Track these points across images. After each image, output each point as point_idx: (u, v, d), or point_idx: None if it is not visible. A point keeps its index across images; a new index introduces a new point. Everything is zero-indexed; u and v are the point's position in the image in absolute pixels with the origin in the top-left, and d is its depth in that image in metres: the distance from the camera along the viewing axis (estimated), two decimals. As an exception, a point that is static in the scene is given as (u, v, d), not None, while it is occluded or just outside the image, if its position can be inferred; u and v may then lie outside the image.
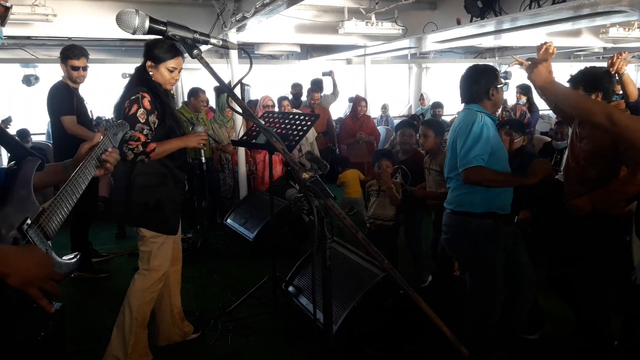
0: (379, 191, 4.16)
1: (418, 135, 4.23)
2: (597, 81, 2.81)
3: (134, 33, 1.34)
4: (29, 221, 1.28)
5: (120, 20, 1.33)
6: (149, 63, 2.83)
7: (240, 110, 1.36)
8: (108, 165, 1.62)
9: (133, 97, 2.73)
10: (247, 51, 1.49)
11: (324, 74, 7.78)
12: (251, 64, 1.44)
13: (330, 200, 1.21)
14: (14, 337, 1.20)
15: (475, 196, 2.72)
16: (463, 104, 2.86)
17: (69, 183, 1.45)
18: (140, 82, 2.82)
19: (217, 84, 6.96)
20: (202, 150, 4.94)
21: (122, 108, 2.74)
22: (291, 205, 1.34)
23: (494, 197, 2.72)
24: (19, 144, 1.48)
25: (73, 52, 4.14)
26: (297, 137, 3.64)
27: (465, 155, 2.61)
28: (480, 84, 2.74)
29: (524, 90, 7.13)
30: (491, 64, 12.09)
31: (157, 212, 2.86)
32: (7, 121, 7.25)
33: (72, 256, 1.43)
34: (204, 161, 4.99)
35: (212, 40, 1.43)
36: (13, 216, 1.27)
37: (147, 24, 1.34)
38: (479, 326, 2.86)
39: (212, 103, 6.89)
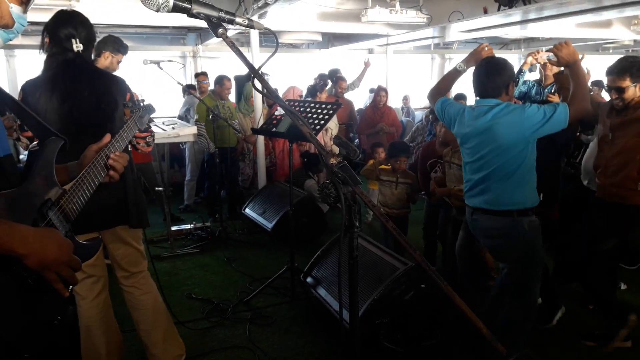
0: (397, 183, 4.11)
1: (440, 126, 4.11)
2: None
3: (157, 10, 1.28)
4: (49, 203, 1.24)
5: None
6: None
7: (264, 92, 1.31)
8: (113, 173, 1.48)
9: (127, 86, 2.56)
10: (273, 31, 1.43)
11: (365, 63, 7.69)
12: (277, 44, 1.38)
13: (359, 187, 1.15)
14: (31, 320, 1.16)
15: (525, 190, 2.63)
16: (478, 98, 2.71)
17: (91, 166, 1.41)
18: None
19: (237, 74, 6.94)
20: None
21: (124, 97, 2.50)
22: (318, 193, 1.28)
23: (534, 190, 2.68)
24: (42, 125, 1.44)
25: (125, 49, 4.02)
26: (319, 127, 3.59)
27: (552, 110, 2.46)
28: (502, 77, 2.63)
29: None
30: (516, 55, 11.88)
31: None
32: None
33: (92, 239, 1.40)
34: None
35: (238, 20, 1.37)
36: (34, 197, 1.23)
37: (171, 1, 1.28)
38: (521, 330, 2.79)
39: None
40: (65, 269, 1.13)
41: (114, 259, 2.61)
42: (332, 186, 1.16)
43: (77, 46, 2.34)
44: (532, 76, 4.76)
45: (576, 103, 2.46)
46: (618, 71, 2.77)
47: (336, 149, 4.53)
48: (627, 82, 2.74)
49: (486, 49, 2.85)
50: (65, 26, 2.35)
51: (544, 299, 3.44)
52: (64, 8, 4.81)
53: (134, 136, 2.31)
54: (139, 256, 2.66)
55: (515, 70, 3.33)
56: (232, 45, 1.28)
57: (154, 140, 2.69)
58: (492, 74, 2.64)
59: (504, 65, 2.66)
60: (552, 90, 4.22)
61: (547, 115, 2.46)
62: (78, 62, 2.38)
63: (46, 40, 2.38)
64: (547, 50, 2.71)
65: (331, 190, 1.16)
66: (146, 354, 2.75)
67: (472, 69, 2.83)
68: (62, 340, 1.45)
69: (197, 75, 6.96)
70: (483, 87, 2.67)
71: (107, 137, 1.52)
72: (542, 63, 4.07)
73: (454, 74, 2.99)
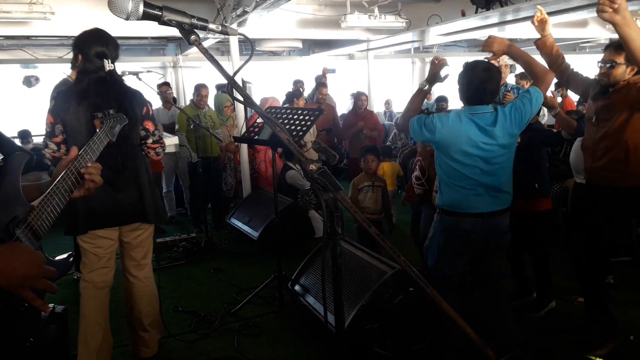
0: (373, 186, 4.17)
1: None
2: None
3: (127, 18, 1.25)
4: (16, 220, 1.19)
5: (112, 5, 1.24)
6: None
7: (242, 99, 1.28)
8: (91, 185, 1.42)
9: (145, 100, 2.81)
10: (248, 37, 1.40)
11: (324, 70, 7.67)
12: (252, 50, 1.35)
13: (340, 193, 1.13)
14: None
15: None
16: (469, 105, 2.68)
17: (60, 180, 1.35)
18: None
19: (218, 83, 6.88)
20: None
21: (142, 110, 2.76)
22: (298, 199, 1.25)
23: None
24: (8, 140, 1.40)
25: None
26: (301, 133, 3.56)
27: (531, 97, 2.65)
28: (499, 82, 2.69)
29: None
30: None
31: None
32: None
33: (66, 256, 1.36)
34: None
35: (211, 26, 1.34)
36: None
37: (141, 8, 1.25)
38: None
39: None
40: (40, 281, 1.07)
41: (128, 246, 2.89)
42: (312, 193, 1.14)
43: (110, 66, 2.57)
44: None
45: (540, 81, 2.70)
46: (617, 47, 2.74)
47: (314, 154, 4.55)
48: (621, 59, 2.72)
49: (436, 62, 2.89)
50: (97, 45, 2.58)
51: (539, 289, 3.60)
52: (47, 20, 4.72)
53: (146, 146, 2.77)
54: (149, 251, 2.99)
55: None
56: (206, 52, 1.26)
57: (163, 150, 2.92)
58: (491, 80, 2.61)
59: (495, 69, 2.67)
60: (509, 89, 4.43)
61: (531, 104, 2.62)
62: (109, 81, 2.60)
63: (79, 57, 2.60)
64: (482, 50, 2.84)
65: (312, 197, 1.14)
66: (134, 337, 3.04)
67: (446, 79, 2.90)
68: (48, 358, 1.40)
69: (159, 86, 6.80)
70: (484, 94, 2.61)
71: (74, 151, 1.46)
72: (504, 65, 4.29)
73: (421, 94, 2.92)
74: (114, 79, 2.66)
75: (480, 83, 2.59)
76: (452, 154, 2.66)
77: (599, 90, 2.91)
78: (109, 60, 2.60)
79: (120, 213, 2.72)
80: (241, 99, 1.27)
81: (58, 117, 2.61)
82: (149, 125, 2.78)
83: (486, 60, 2.75)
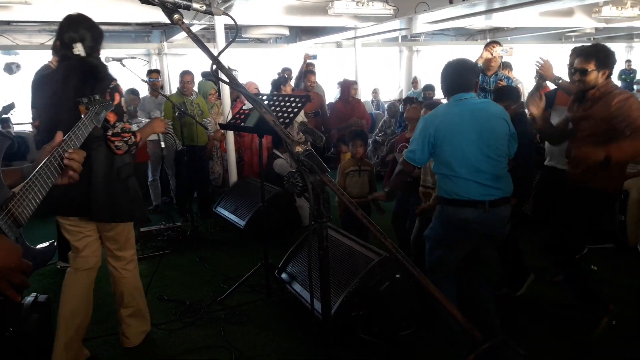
0: (359, 171, 4.16)
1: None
2: (609, 58, 2.87)
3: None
4: None
5: None
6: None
7: (226, 80, 1.25)
8: (72, 173, 1.39)
9: (112, 86, 2.58)
10: (232, 17, 1.36)
11: (305, 56, 7.58)
12: (237, 28, 1.32)
13: (327, 175, 1.11)
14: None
15: None
16: (455, 94, 2.78)
17: (43, 167, 1.31)
18: (105, 69, 2.69)
19: (204, 70, 6.76)
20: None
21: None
22: (284, 182, 1.22)
23: None
24: None
25: None
26: (287, 120, 3.53)
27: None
28: (470, 75, 2.80)
29: None
30: (482, 46, 12.04)
31: (138, 201, 2.87)
32: (10, 108, 6.31)
33: (48, 244, 1.32)
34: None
35: (195, 5, 1.30)
36: None
37: (121, -15, 1.21)
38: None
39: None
40: (16, 275, 1.06)
41: (103, 236, 2.89)
42: (298, 175, 1.12)
43: (78, 50, 2.52)
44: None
45: None
46: (586, 55, 2.87)
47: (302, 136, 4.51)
48: (591, 66, 2.84)
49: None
50: (69, 31, 2.54)
51: (514, 269, 3.67)
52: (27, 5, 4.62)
53: (107, 138, 2.58)
54: (125, 245, 2.94)
55: None
56: (189, 31, 1.22)
57: (127, 145, 2.62)
58: (462, 74, 2.77)
59: (468, 64, 2.84)
60: (501, 77, 4.70)
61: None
62: (74, 64, 2.55)
63: (57, 43, 2.65)
64: None
65: (298, 180, 1.12)
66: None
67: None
68: (21, 349, 1.37)
69: (149, 72, 6.67)
70: (456, 85, 2.77)
71: (59, 136, 1.42)
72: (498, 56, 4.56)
73: None
74: (80, 63, 2.55)
75: (451, 76, 2.78)
76: (448, 140, 2.68)
77: (576, 96, 3.03)
78: (78, 46, 2.52)
79: (69, 203, 2.64)
80: (226, 80, 1.24)
81: (34, 102, 2.78)
82: (110, 117, 2.54)
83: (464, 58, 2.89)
